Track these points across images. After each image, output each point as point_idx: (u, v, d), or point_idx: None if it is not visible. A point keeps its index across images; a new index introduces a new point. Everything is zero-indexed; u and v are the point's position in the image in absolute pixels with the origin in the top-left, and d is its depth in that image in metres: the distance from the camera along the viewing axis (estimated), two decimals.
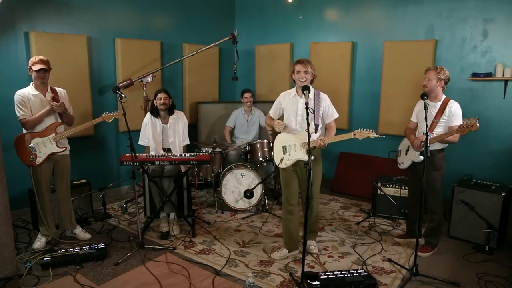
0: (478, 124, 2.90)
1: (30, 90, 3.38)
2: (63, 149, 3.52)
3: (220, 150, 4.72)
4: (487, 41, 4.17)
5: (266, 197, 4.59)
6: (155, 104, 4.01)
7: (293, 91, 3.33)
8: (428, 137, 2.90)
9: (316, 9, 5.41)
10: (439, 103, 3.30)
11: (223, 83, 6.21)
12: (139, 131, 4.15)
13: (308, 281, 2.76)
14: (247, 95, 5.15)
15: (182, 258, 3.38)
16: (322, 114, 3.27)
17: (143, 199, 4.29)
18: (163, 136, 4.09)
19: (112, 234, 3.84)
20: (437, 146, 3.29)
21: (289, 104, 3.31)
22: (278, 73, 5.84)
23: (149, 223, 3.95)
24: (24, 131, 3.40)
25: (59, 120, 3.50)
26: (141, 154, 3.72)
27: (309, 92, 2.92)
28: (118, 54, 4.80)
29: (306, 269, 3.10)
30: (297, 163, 3.26)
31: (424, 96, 3.05)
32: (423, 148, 2.90)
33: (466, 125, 2.94)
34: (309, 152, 2.72)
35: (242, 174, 4.43)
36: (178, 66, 5.47)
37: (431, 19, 4.49)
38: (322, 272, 2.89)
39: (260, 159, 4.57)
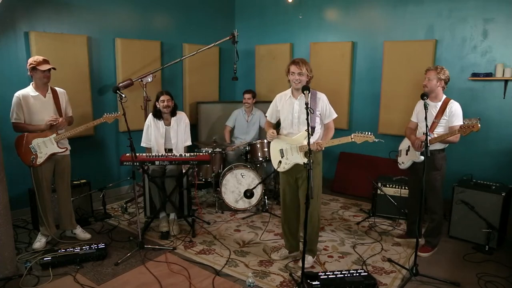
0: (479, 125, 2.89)
1: (30, 91, 3.37)
2: (64, 150, 3.52)
3: (220, 150, 4.72)
4: (487, 41, 4.17)
5: (266, 197, 4.59)
6: (158, 106, 3.99)
7: (288, 92, 3.21)
8: (429, 137, 2.90)
9: (316, 9, 5.41)
10: (440, 103, 3.30)
11: (223, 83, 6.21)
12: (139, 131, 4.15)
13: (308, 281, 2.76)
14: (246, 96, 5.13)
15: (182, 258, 3.38)
16: (319, 114, 3.16)
17: (143, 199, 4.29)
18: (165, 137, 4.08)
19: (112, 234, 3.84)
20: (437, 146, 3.29)
21: (285, 106, 3.20)
22: (278, 73, 5.80)
23: (149, 223, 3.95)
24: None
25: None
26: (141, 154, 3.72)
27: (308, 92, 2.83)
28: (118, 54, 4.80)
29: (306, 269, 3.09)
30: (295, 169, 3.18)
31: (424, 96, 3.04)
32: (424, 148, 2.90)
33: (467, 126, 2.94)
34: (309, 152, 2.69)
35: (242, 174, 4.43)
36: (178, 66, 5.47)
37: (431, 19, 4.49)
38: (322, 272, 2.90)
39: (260, 159, 4.57)
